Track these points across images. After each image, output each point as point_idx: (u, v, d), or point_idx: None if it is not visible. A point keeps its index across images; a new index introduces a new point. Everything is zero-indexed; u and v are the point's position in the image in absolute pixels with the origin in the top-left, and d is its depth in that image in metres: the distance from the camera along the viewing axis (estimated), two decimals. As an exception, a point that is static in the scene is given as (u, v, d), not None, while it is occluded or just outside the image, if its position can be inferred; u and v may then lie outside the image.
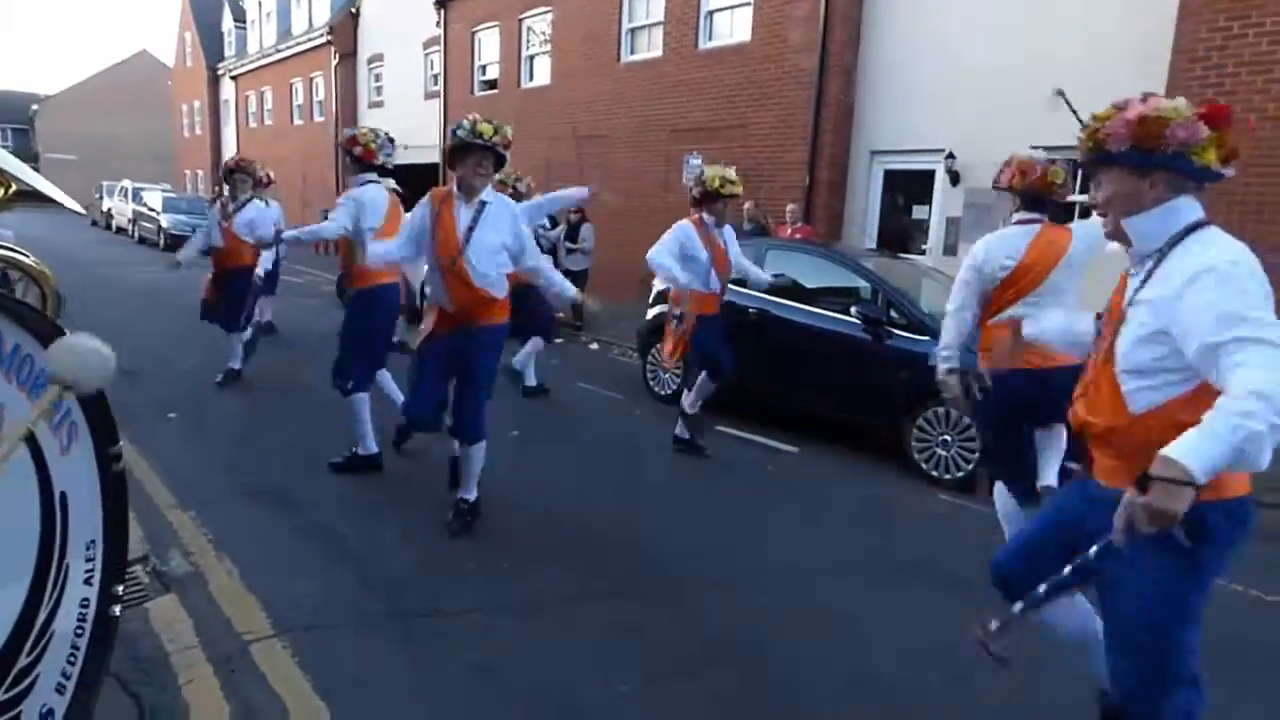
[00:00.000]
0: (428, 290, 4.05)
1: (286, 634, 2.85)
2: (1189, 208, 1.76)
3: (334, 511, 4.02)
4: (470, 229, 3.64)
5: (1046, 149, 8.07)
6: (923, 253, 9.45)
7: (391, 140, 4.70)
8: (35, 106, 47.24)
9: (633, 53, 13.05)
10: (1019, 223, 3.61)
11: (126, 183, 24.03)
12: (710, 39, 11.74)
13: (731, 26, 11.48)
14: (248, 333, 6.78)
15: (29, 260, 1.79)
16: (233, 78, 29.24)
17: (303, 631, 2.86)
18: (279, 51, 25.01)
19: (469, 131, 3.53)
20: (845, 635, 3.14)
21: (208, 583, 3.22)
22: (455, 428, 3.79)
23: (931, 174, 9.42)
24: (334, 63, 21.89)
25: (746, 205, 10.18)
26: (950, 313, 3.50)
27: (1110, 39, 7.64)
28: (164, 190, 23.08)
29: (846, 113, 10.11)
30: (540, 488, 4.62)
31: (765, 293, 6.43)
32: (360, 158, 4.54)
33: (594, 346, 9.97)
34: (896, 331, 5.53)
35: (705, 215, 5.20)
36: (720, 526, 4.26)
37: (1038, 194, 3.55)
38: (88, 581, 1.78)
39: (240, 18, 29.20)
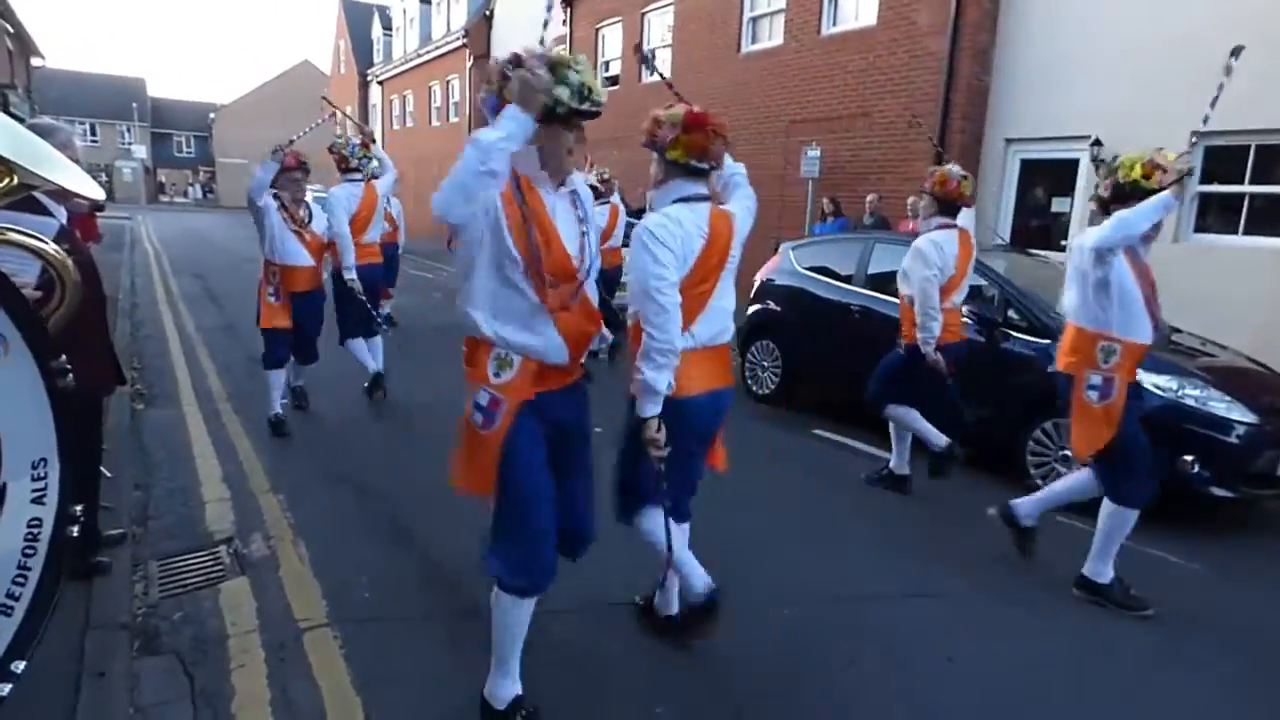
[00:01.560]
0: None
1: (340, 624, 2.89)
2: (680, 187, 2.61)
3: (410, 505, 4.08)
4: (583, 231, 2.32)
5: (1203, 134, 7.18)
6: (1062, 249, 8.59)
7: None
8: (212, 115, 52.42)
9: (754, 42, 12.70)
10: (940, 228, 4.41)
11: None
12: (834, 24, 11.22)
13: (857, 10, 10.91)
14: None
15: (51, 249, 1.83)
16: (380, 83, 31.13)
17: (355, 624, 2.89)
18: (420, 56, 26.35)
19: (576, 93, 2.11)
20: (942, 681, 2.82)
21: (279, 567, 3.34)
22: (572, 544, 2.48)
23: (1075, 163, 8.55)
24: (469, 65, 22.78)
25: (869, 198, 9.68)
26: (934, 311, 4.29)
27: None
28: (315, 190, 24.85)
29: (980, 98, 9.36)
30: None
31: (872, 290, 6.06)
32: (337, 164, 5.91)
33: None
34: (1014, 334, 5.01)
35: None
36: (804, 542, 3.98)
37: (951, 202, 4.40)
38: (38, 501, 1.71)
39: (388, 25, 31.04)
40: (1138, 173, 3.34)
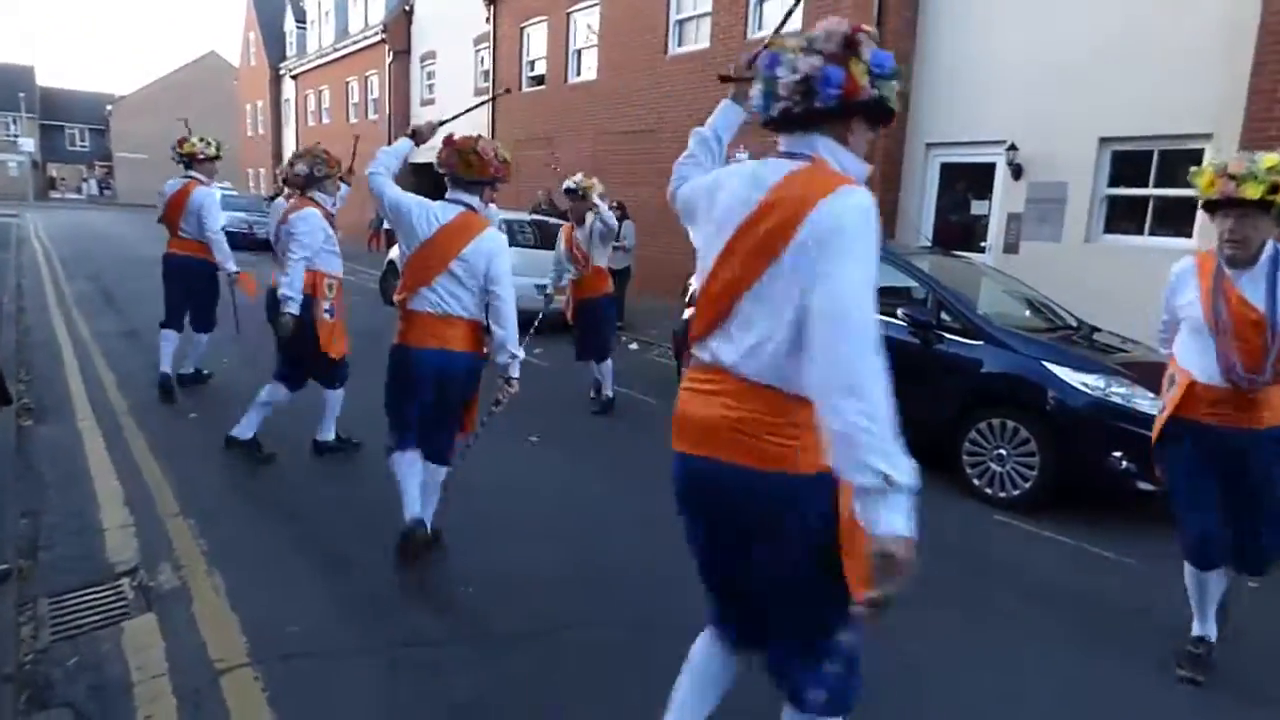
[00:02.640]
0: None
1: (261, 664, 2.64)
2: None
3: (338, 526, 3.83)
4: None
5: (1119, 139, 7.50)
6: (982, 250, 8.89)
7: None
8: (110, 107, 49.34)
9: (680, 45, 12.72)
10: None
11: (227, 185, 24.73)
12: (760, 28, 11.32)
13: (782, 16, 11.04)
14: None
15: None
16: (293, 77, 29.89)
17: (278, 661, 2.65)
18: (336, 50, 25.41)
19: None
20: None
21: (191, 601, 3.05)
22: None
23: (992, 167, 8.85)
24: (388, 60, 22.11)
25: (794, 201, 9.78)
26: None
27: (1195, 9, 7.01)
28: (223, 188, 23.66)
29: (901, 104, 9.56)
30: (552, 504, 4.36)
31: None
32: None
33: (633, 346, 9.70)
34: (948, 335, 5.10)
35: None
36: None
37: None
38: None
39: (301, 18, 29.83)
40: None
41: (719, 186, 1.80)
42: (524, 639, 2.91)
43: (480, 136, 3.43)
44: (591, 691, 2.63)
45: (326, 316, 4.60)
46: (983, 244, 9.02)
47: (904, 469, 1.43)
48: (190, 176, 6.26)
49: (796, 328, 1.56)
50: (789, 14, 2.25)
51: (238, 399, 6.06)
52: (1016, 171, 8.48)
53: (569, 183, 6.32)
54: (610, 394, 6.47)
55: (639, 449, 5.45)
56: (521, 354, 3.40)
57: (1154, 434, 3.10)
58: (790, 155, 1.68)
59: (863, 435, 1.43)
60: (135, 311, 9.76)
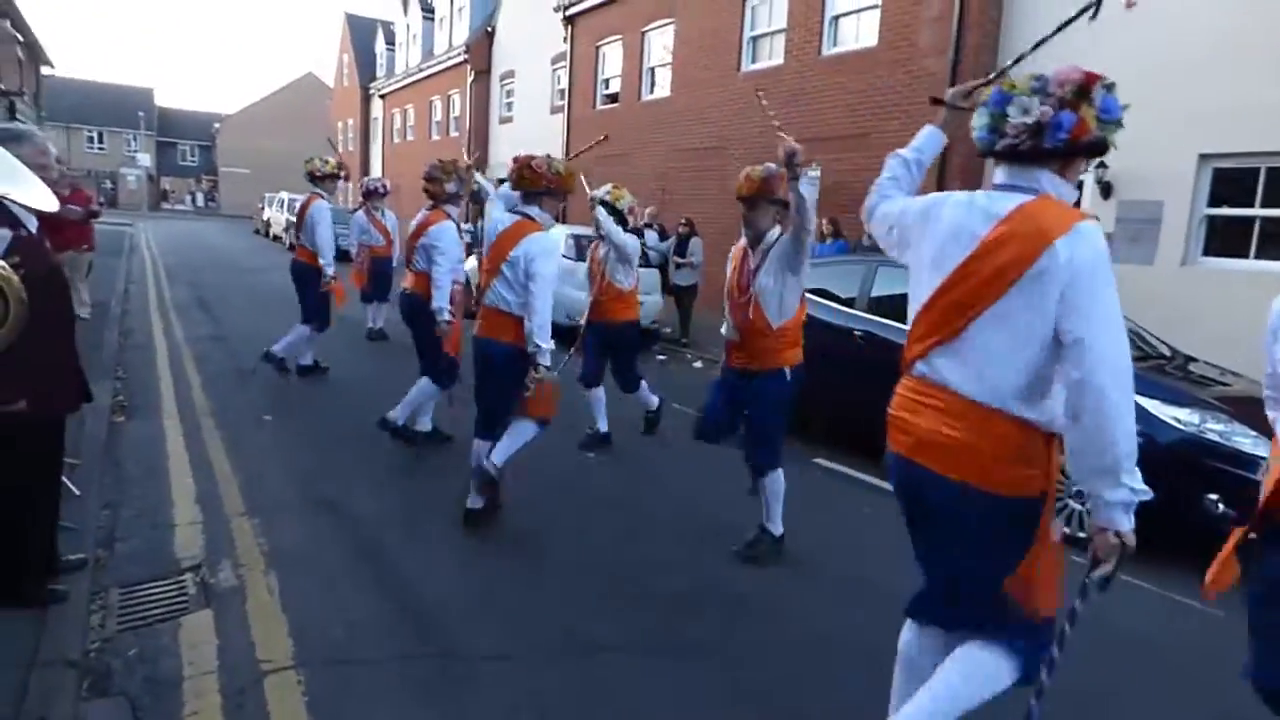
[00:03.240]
0: None
1: (305, 667, 2.70)
2: None
3: (394, 531, 3.91)
4: None
5: (1221, 155, 7.02)
6: (1066, 273, 8.47)
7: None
8: (217, 125, 52.55)
9: (754, 61, 12.66)
10: None
11: (283, 194, 26.02)
12: (834, 45, 11.17)
13: (858, 31, 10.87)
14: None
15: (-6, 266, 1.68)
16: (381, 96, 31.16)
17: (321, 665, 2.71)
18: (422, 71, 26.38)
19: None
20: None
21: (246, 599, 3.15)
22: None
23: (1079, 185, 8.43)
24: (470, 80, 22.79)
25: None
26: None
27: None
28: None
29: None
30: (605, 520, 4.34)
31: (872, 314, 5.91)
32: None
33: (698, 365, 9.63)
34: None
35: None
36: (795, 576, 3.80)
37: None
38: None
39: (391, 40, 31.14)
40: None
41: (933, 214, 1.99)
42: (559, 657, 2.88)
43: (536, 156, 3.84)
44: (623, 713, 2.58)
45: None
46: (1067, 266, 8.59)
47: (1142, 486, 1.75)
48: (314, 191, 6.98)
49: (1038, 357, 1.77)
50: (1020, 59, 2.24)
51: (312, 402, 6.31)
52: (1105, 189, 8.05)
53: (597, 192, 5.57)
54: (604, 429, 5.73)
55: (684, 467, 5.38)
56: (549, 345, 3.71)
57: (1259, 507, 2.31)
58: (1012, 188, 1.85)
59: (1125, 461, 1.70)
60: (226, 317, 10.30)
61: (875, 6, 10.35)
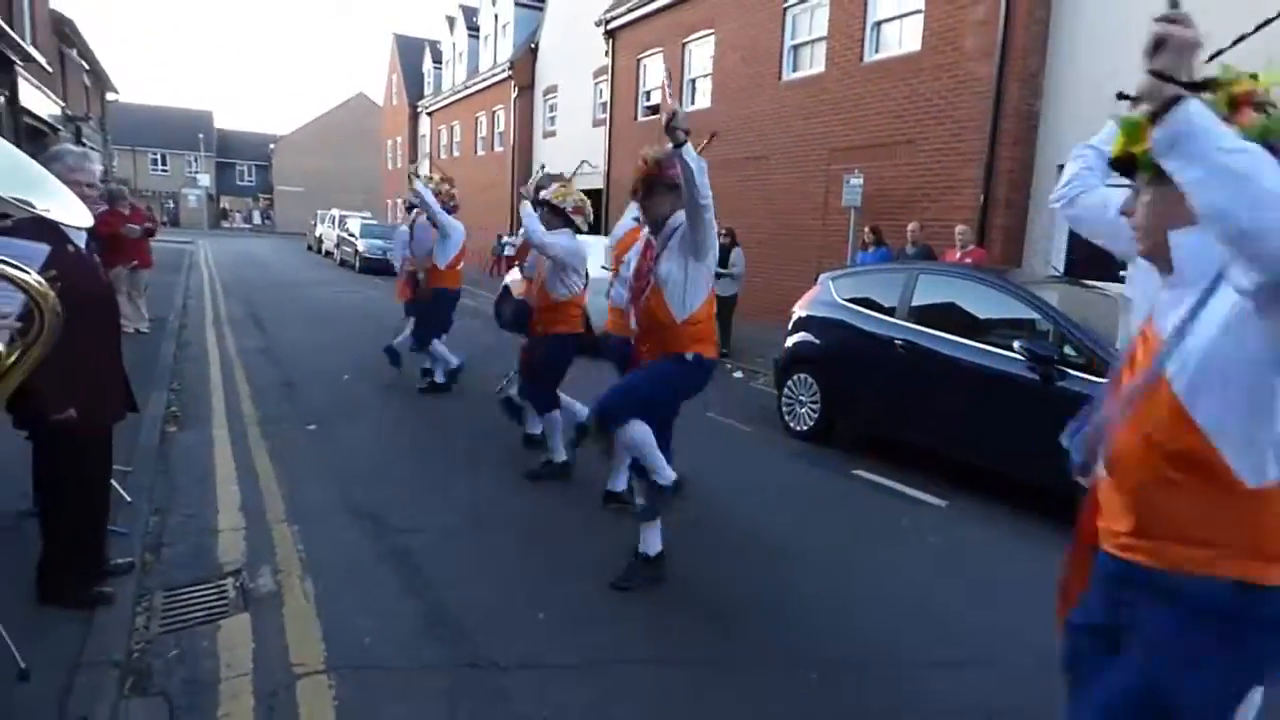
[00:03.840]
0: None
1: (335, 671, 2.73)
2: None
3: (427, 541, 3.94)
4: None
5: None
6: (1120, 280, 8.19)
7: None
8: (272, 145, 54.35)
9: (794, 70, 12.60)
10: None
11: (335, 211, 26.76)
12: (877, 51, 11.05)
13: (900, 37, 10.73)
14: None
15: (31, 279, 1.74)
16: (429, 114, 31.86)
17: (351, 671, 2.74)
18: (467, 88, 26.91)
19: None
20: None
21: (283, 604, 3.21)
22: None
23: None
24: (514, 95, 23.16)
25: (911, 227, 9.40)
26: None
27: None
28: (364, 218, 25.43)
29: (1029, 123, 9.05)
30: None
31: (916, 323, 5.79)
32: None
33: (737, 375, 9.56)
34: (1071, 372, 4.70)
35: None
36: (829, 590, 3.72)
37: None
38: None
39: (438, 59, 31.87)
40: None
41: None
42: (586, 671, 2.87)
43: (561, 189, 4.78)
44: None
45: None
46: (1122, 273, 8.30)
47: None
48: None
49: None
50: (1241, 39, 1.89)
51: (355, 413, 6.43)
52: (1160, 194, 7.77)
53: (533, 188, 5.03)
54: (563, 459, 5.03)
55: (715, 479, 5.33)
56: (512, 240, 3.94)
57: None
58: None
59: None
60: (276, 331, 10.61)
61: (918, 11, 10.21)
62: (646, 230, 3.61)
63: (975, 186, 9.36)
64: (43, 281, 1.77)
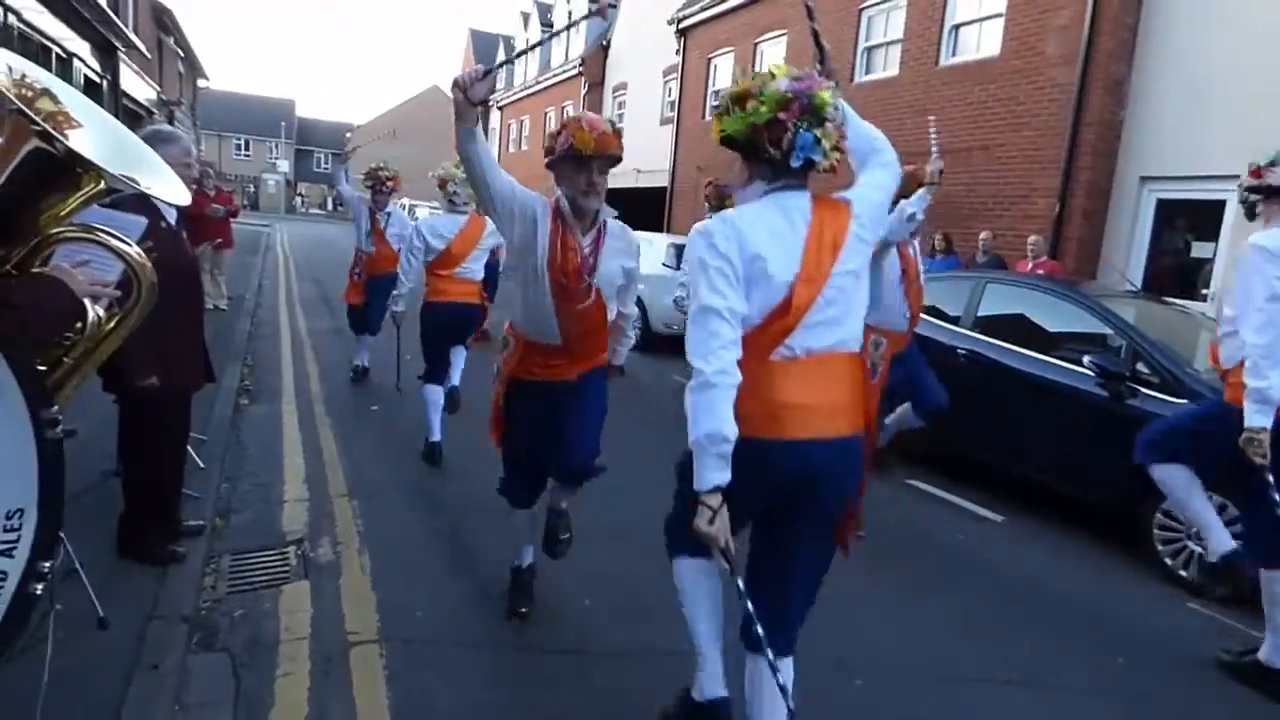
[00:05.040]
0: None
1: (388, 642, 2.84)
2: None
3: (480, 525, 4.03)
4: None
5: None
6: (1204, 299, 7.83)
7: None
8: (348, 135, 56.04)
9: (868, 73, 12.39)
10: None
11: (405, 200, 27.43)
12: (954, 54, 10.78)
13: (979, 41, 10.45)
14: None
15: (132, 251, 1.86)
16: (500, 108, 32.40)
17: (402, 644, 2.84)
18: (539, 83, 27.28)
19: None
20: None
21: (341, 575, 3.34)
22: None
23: (1221, 205, 7.78)
24: (583, 91, 23.37)
25: (982, 235, 9.16)
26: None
27: None
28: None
29: (1112, 132, 8.70)
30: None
31: (981, 332, 5.64)
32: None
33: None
34: (1144, 390, 4.52)
35: None
36: (883, 605, 3.67)
37: None
38: (5, 554, 1.62)
39: (511, 53, 32.41)
40: None
41: None
42: (627, 659, 2.90)
43: None
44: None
45: None
46: (1204, 291, 7.94)
47: None
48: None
49: None
50: None
51: (415, 395, 6.59)
52: (1251, 211, 7.37)
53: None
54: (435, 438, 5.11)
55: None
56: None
57: None
58: None
59: None
60: (343, 313, 10.94)
61: (999, 15, 9.92)
62: (550, 215, 2.78)
63: (1051, 196, 9.05)
64: (141, 253, 1.89)
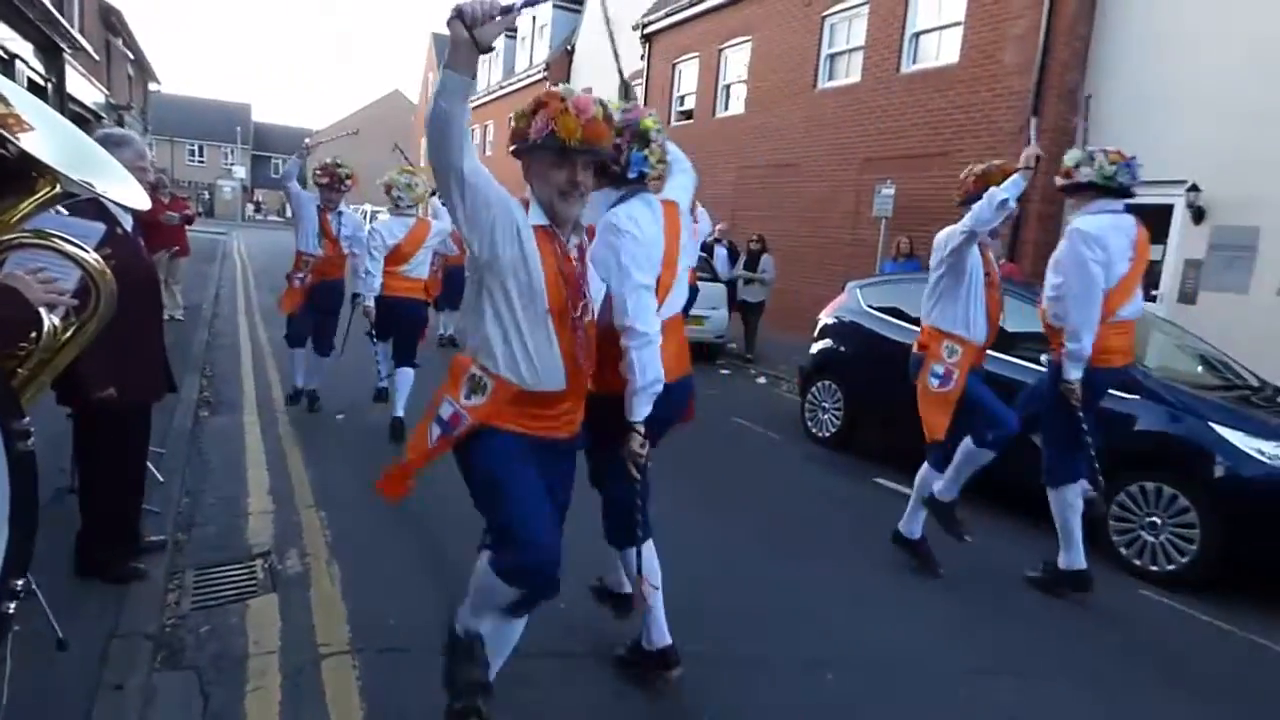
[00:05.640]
0: None
1: (360, 652, 2.80)
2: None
3: (450, 531, 3.98)
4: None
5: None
6: (1153, 299, 8.08)
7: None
8: (307, 140, 55.09)
9: (830, 79, 12.57)
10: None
11: (367, 206, 27.07)
12: (914, 62, 11.00)
13: (939, 48, 10.68)
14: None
15: (90, 258, 1.81)
16: (463, 113, 32.21)
17: (375, 653, 2.80)
18: (503, 88, 27.17)
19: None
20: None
21: (310, 586, 3.29)
22: None
23: (1169, 209, 8.05)
24: (547, 97, 23.31)
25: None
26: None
27: None
28: (378, 210, 25.70)
29: (1066, 139, 8.95)
30: (663, 527, 4.33)
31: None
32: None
33: (761, 380, 9.56)
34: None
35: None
36: (842, 598, 3.72)
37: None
38: None
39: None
40: None
41: None
42: (604, 660, 2.90)
43: None
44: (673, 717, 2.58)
45: None
46: (1154, 292, 8.20)
47: None
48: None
49: None
50: None
51: (382, 403, 6.52)
52: (1198, 215, 7.67)
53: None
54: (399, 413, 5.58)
55: (750, 482, 5.34)
56: None
57: None
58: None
59: None
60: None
61: (958, 23, 10.16)
62: (543, 222, 2.21)
63: (1008, 200, 9.27)
64: (100, 260, 1.84)
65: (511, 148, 2.20)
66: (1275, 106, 6.98)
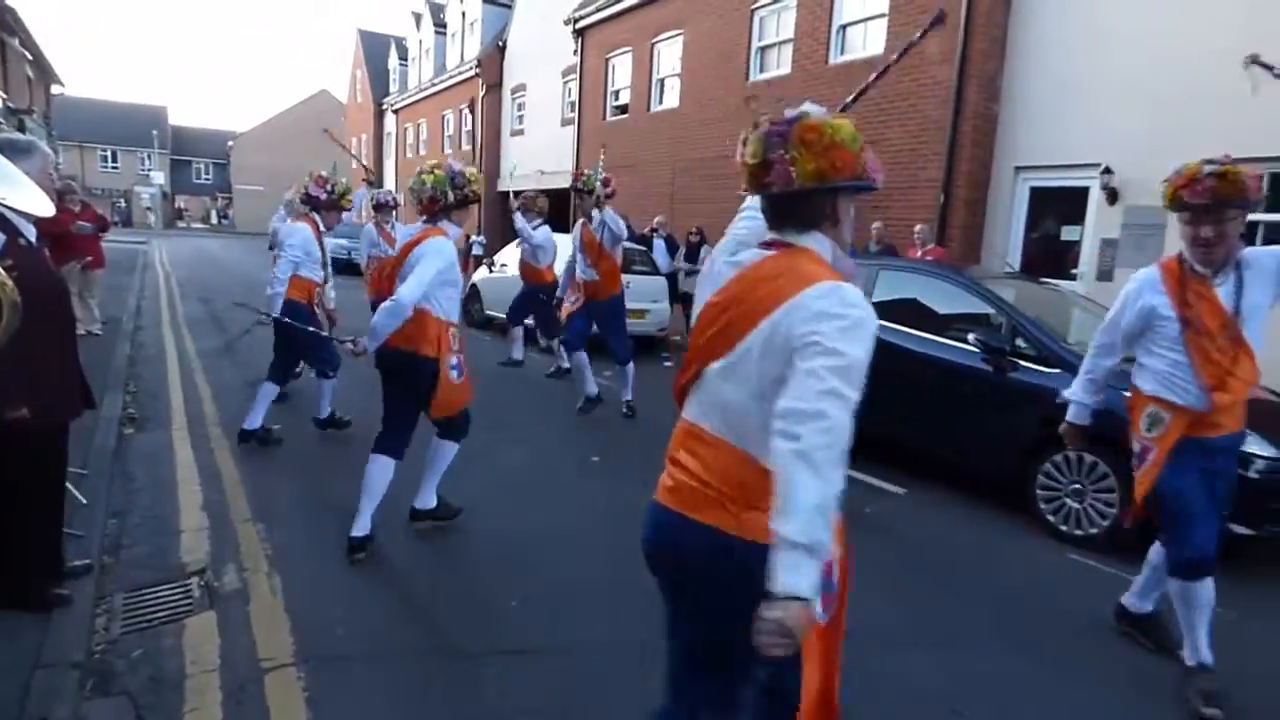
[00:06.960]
0: None
1: (305, 664, 2.73)
2: None
3: (397, 534, 3.93)
4: None
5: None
6: (1073, 278, 8.45)
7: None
8: (231, 143, 53.25)
9: (761, 71, 12.73)
10: None
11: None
12: (842, 54, 11.22)
13: (865, 40, 10.92)
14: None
15: (-9, 270, 1.72)
16: (394, 111, 31.51)
17: (320, 663, 2.73)
18: (434, 86, 26.68)
19: None
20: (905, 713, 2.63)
21: (250, 600, 3.19)
22: None
23: (1085, 191, 8.41)
24: (481, 94, 23.01)
25: (875, 225, 9.56)
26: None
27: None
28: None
29: (988, 125, 9.28)
30: (609, 519, 4.35)
31: (876, 317, 5.90)
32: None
33: (669, 364, 9.63)
34: (1023, 363, 4.84)
35: None
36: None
37: None
38: None
39: (404, 55, 31.53)
40: None
41: None
42: (560, 655, 2.90)
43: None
44: (623, 713, 2.59)
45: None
46: (1074, 271, 8.57)
47: None
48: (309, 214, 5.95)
49: None
50: None
51: (315, 410, 6.36)
52: (1112, 196, 8.03)
53: (579, 181, 6.73)
54: (632, 398, 6.83)
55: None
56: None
57: None
58: None
59: None
60: (238, 331, 10.41)
61: (882, 15, 10.39)
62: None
63: (936, 187, 9.56)
64: (1, 271, 1.75)
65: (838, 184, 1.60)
66: (1179, 94, 7.35)
